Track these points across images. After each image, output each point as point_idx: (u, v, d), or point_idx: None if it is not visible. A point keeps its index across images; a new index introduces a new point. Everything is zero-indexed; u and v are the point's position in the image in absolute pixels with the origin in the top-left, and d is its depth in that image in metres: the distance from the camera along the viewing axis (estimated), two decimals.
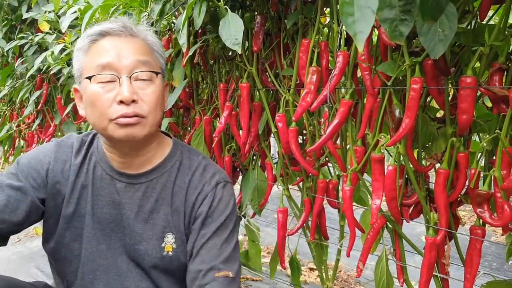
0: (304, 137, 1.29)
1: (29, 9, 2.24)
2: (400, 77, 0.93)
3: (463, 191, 0.92)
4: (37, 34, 2.13)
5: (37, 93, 2.28)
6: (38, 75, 2.28)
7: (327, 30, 1.15)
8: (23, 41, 2.14)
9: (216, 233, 0.85)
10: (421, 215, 1.01)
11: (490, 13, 0.87)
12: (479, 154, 0.91)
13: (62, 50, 1.75)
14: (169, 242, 0.87)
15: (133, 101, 0.78)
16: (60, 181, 0.87)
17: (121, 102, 0.77)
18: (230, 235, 0.86)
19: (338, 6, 0.98)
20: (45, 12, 2.01)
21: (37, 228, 2.66)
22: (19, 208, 0.82)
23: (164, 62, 0.89)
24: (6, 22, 2.44)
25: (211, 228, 0.85)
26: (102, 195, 0.88)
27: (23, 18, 2.27)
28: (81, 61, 0.82)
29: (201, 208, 0.86)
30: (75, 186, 0.88)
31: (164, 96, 0.87)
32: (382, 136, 0.93)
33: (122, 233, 0.87)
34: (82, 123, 2.10)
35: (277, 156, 1.35)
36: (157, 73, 0.83)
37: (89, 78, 0.79)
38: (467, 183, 0.90)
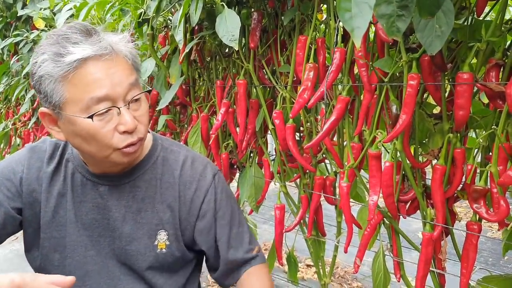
0: (301, 134, 1.29)
1: (24, 6, 2.23)
2: (397, 74, 0.93)
3: (459, 187, 0.92)
4: (32, 31, 2.12)
5: (33, 91, 2.26)
6: None
7: (324, 27, 1.15)
8: (18, 39, 2.13)
9: (233, 222, 0.90)
10: (418, 211, 1.01)
11: (487, 9, 0.87)
12: (476, 150, 0.91)
13: None
14: (162, 239, 0.85)
15: None
16: (36, 189, 0.84)
17: (125, 132, 0.75)
18: (241, 217, 0.93)
19: (335, 2, 0.98)
20: (40, 9, 2.00)
21: None
22: None
23: (140, 68, 0.83)
24: (1, 19, 2.42)
25: (227, 219, 0.89)
26: (85, 201, 0.85)
27: (18, 15, 2.26)
28: (59, 91, 0.71)
29: (207, 204, 0.87)
30: (49, 194, 0.85)
31: None
32: (379, 133, 0.93)
33: (110, 236, 0.85)
34: None
35: (274, 153, 1.35)
36: (147, 92, 0.81)
37: (91, 117, 0.71)
38: (463, 179, 0.90)
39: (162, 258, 0.86)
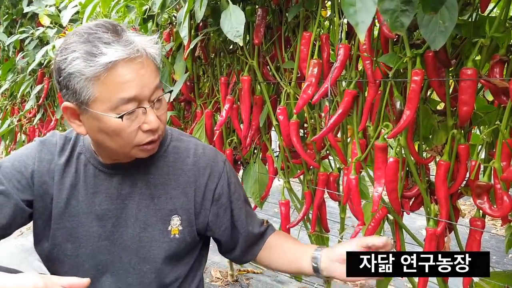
0: (305, 130, 1.29)
1: (30, 3, 2.25)
2: (401, 69, 0.93)
3: (463, 183, 0.92)
4: (38, 28, 2.14)
5: (38, 87, 2.28)
6: (39, 70, 2.28)
7: (328, 23, 1.15)
8: (24, 35, 2.15)
9: (245, 200, 0.99)
10: (422, 207, 1.01)
11: (491, 5, 0.87)
12: (480, 146, 0.91)
13: None
14: (175, 224, 0.88)
15: None
16: (47, 181, 0.86)
17: (149, 130, 0.78)
18: (246, 194, 1.02)
19: None
20: (46, 6, 2.01)
21: None
22: (2, 212, 0.82)
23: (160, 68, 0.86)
24: (7, 16, 2.44)
25: (241, 199, 0.96)
26: (98, 192, 0.87)
27: (24, 12, 2.27)
28: (89, 89, 0.73)
29: (220, 188, 0.92)
30: (62, 186, 0.87)
31: None
32: (386, 125, 0.93)
33: (124, 226, 0.87)
34: None
35: (278, 149, 1.35)
36: (169, 92, 0.85)
37: (121, 117, 0.74)
38: (467, 175, 0.90)
39: (175, 244, 0.88)
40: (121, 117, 0.75)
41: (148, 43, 0.78)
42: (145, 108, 0.77)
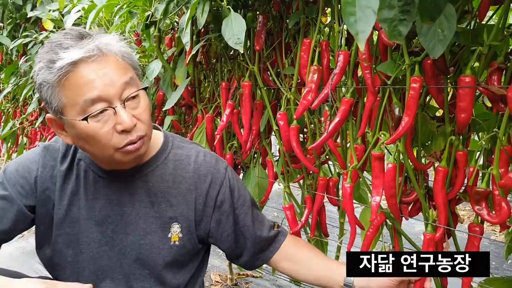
0: (305, 135, 1.30)
1: (33, 7, 2.27)
2: (400, 76, 0.94)
3: (461, 189, 0.93)
4: (41, 32, 2.16)
5: None
6: None
7: (328, 30, 1.16)
8: (27, 40, 2.16)
9: (253, 205, 0.97)
10: (420, 212, 1.02)
11: (490, 13, 0.88)
12: (478, 153, 0.92)
13: None
14: (175, 232, 0.88)
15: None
16: (50, 187, 0.87)
17: (123, 131, 0.75)
18: (253, 198, 1.00)
19: (339, 6, 0.99)
20: (49, 11, 2.03)
21: None
22: (5, 217, 0.82)
23: (137, 66, 0.83)
24: (10, 20, 2.46)
25: (247, 204, 0.95)
26: (98, 198, 0.87)
27: (27, 16, 2.29)
28: (57, 96, 0.74)
29: (222, 194, 0.90)
30: (63, 192, 0.87)
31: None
32: (382, 134, 0.94)
33: (124, 233, 0.87)
34: None
35: (278, 154, 1.36)
36: (144, 88, 0.81)
37: (85, 119, 0.73)
38: (466, 181, 0.91)
39: (175, 251, 0.88)
40: (85, 119, 0.73)
41: (111, 41, 0.77)
42: (114, 108, 0.74)
